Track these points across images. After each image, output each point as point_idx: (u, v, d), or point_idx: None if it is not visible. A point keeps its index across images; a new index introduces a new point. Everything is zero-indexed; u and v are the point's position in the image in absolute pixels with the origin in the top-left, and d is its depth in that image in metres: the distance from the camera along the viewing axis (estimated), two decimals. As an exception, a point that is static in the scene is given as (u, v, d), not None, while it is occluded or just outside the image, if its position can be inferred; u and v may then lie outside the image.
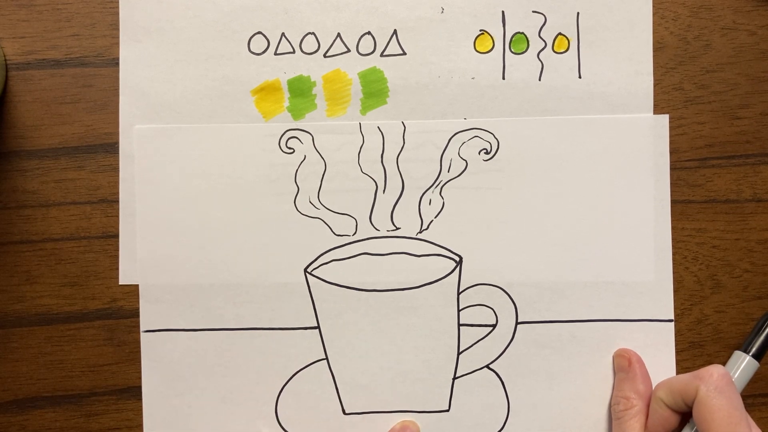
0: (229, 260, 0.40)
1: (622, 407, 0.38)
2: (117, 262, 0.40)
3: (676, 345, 0.40)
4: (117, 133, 0.40)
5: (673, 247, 0.40)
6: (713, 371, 0.35)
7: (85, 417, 0.41)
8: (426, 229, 0.40)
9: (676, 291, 0.40)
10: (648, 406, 0.38)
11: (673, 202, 0.40)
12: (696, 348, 0.40)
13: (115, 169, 0.40)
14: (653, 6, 0.40)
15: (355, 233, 0.40)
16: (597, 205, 0.40)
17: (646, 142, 0.40)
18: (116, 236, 0.40)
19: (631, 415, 0.37)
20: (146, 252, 0.40)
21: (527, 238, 0.40)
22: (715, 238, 0.41)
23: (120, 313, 0.40)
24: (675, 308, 0.40)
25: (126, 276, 0.40)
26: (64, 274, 0.40)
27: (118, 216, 0.40)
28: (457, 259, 0.40)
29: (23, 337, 0.40)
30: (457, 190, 0.40)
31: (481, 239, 0.40)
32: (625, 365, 0.39)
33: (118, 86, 0.40)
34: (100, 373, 0.40)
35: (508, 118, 0.40)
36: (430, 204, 0.40)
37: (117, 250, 0.40)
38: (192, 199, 0.40)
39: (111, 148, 0.40)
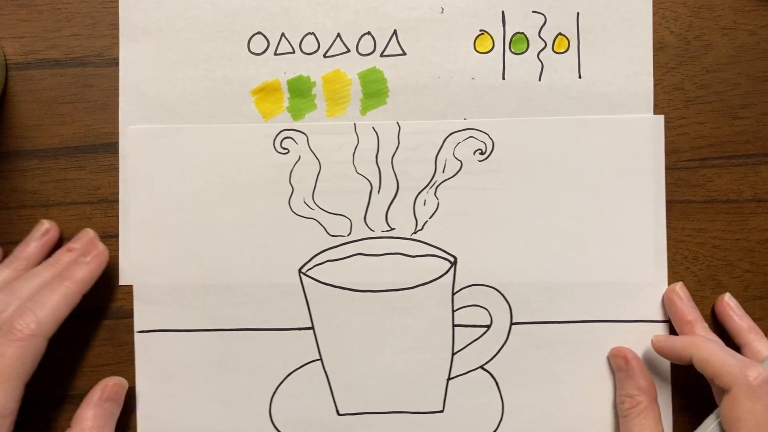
0: (224, 261, 0.40)
1: (627, 406, 0.38)
2: (117, 262, 0.40)
3: (676, 345, 0.40)
4: (117, 133, 0.40)
5: (674, 247, 0.40)
6: (756, 371, 0.34)
7: (85, 417, 0.41)
8: (421, 229, 0.40)
9: (676, 291, 0.40)
10: (654, 400, 0.37)
11: (674, 202, 0.40)
12: (696, 348, 0.40)
13: (115, 169, 0.40)
14: (653, 6, 0.40)
15: (349, 234, 0.40)
16: (592, 205, 0.40)
17: (641, 142, 0.40)
18: (116, 236, 0.40)
19: (638, 411, 0.37)
20: (140, 252, 0.40)
21: (522, 239, 0.40)
22: (716, 238, 0.40)
23: (120, 313, 0.40)
24: (675, 308, 0.40)
25: (126, 276, 0.40)
26: (64, 274, 0.40)
27: (118, 216, 0.40)
28: (452, 259, 0.40)
29: (23, 337, 0.40)
30: (452, 191, 0.40)
31: (476, 240, 0.40)
32: (621, 364, 0.39)
33: (118, 86, 0.40)
34: (100, 373, 0.40)
35: (501, 119, 0.40)
36: (424, 204, 0.40)
37: (117, 250, 0.40)
38: (186, 200, 0.40)
39: (111, 148, 0.40)
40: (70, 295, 0.36)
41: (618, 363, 0.39)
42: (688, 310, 0.39)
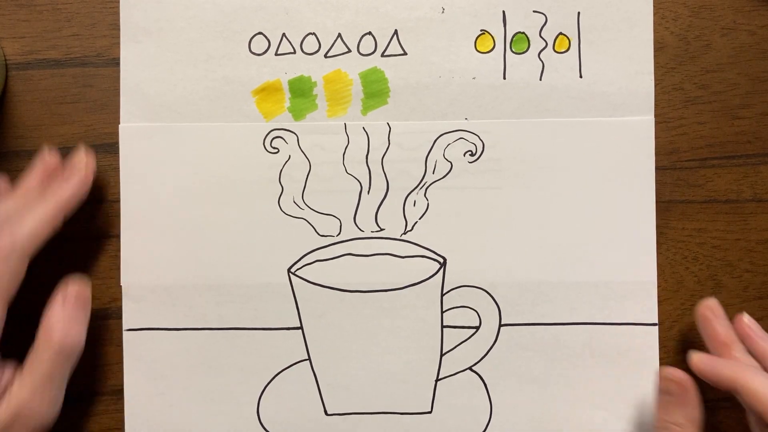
0: (212, 260, 0.40)
1: None
2: (117, 262, 0.40)
3: (676, 346, 0.40)
4: (117, 133, 0.40)
5: (673, 247, 0.40)
6: None
7: (85, 417, 0.41)
8: (410, 230, 0.40)
9: (676, 291, 0.40)
10: (700, 429, 0.35)
11: (673, 202, 0.40)
12: (695, 349, 0.40)
13: (115, 169, 0.40)
14: (653, 6, 0.40)
15: (339, 234, 0.40)
16: (581, 207, 0.40)
17: (631, 144, 0.40)
18: (116, 236, 0.40)
19: None
20: (129, 250, 0.40)
21: (511, 240, 0.40)
22: (716, 238, 0.41)
23: (120, 313, 0.40)
24: (675, 309, 0.40)
25: (126, 276, 0.40)
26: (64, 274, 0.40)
27: (118, 216, 0.40)
28: (441, 260, 0.40)
29: (23, 337, 0.40)
30: (442, 192, 0.40)
31: (466, 241, 0.40)
32: (674, 389, 0.36)
33: (118, 86, 0.40)
34: (100, 373, 0.40)
35: (491, 121, 0.40)
36: (414, 205, 0.40)
37: (117, 250, 0.40)
38: (175, 199, 0.40)
39: (111, 148, 0.40)
40: (48, 213, 0.36)
41: (670, 387, 0.36)
42: (723, 330, 0.37)
